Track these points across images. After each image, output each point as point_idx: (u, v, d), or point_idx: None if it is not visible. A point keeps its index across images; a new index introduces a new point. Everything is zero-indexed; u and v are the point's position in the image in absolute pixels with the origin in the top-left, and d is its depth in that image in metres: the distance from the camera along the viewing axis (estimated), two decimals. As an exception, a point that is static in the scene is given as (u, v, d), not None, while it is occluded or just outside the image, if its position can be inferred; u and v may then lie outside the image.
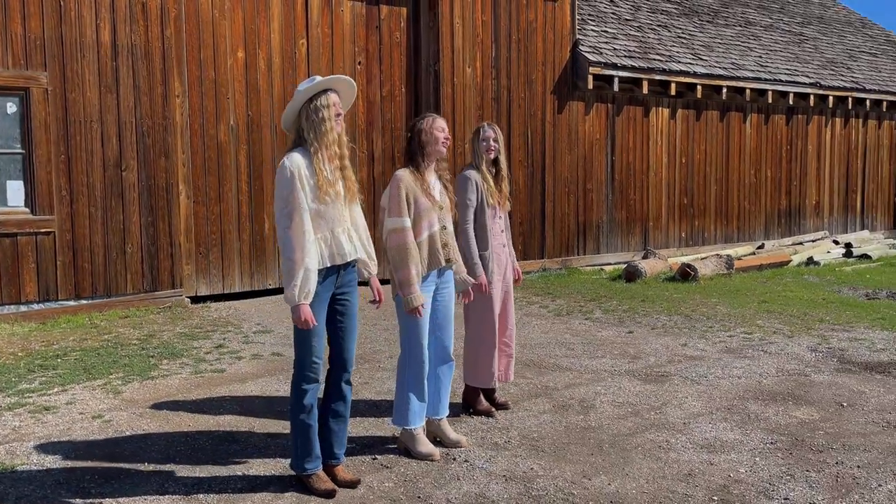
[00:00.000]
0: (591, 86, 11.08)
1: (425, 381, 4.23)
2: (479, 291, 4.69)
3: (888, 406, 5.08)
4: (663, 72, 11.77)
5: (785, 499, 3.71)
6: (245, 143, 8.86)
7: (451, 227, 4.39)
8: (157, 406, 5.02)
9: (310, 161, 3.59)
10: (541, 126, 10.94)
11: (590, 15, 12.48)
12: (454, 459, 4.17)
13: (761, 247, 13.69)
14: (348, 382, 3.83)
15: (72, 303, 7.82)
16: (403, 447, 4.24)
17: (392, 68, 9.78)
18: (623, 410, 5.00)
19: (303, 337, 3.64)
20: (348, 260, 3.71)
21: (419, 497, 3.70)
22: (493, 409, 4.90)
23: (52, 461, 4.10)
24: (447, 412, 4.46)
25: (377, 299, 3.94)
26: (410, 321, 4.15)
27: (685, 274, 10.52)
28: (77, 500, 3.63)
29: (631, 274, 10.51)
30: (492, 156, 4.89)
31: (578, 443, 4.43)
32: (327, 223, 3.63)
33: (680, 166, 12.68)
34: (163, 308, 8.21)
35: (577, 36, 11.32)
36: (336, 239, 3.66)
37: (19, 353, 6.31)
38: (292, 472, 3.82)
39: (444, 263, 4.28)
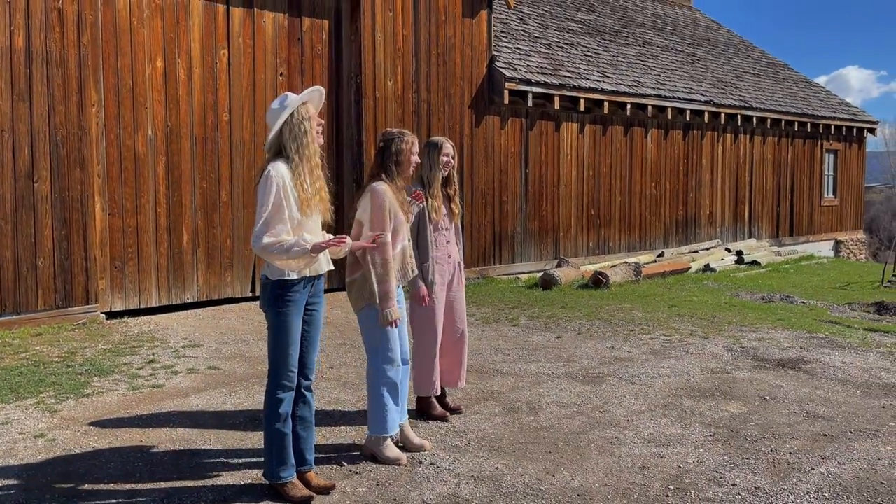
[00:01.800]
0: (506, 101, 11.43)
1: (397, 388, 4.32)
2: (419, 303, 4.81)
3: (805, 398, 5.53)
4: (573, 88, 12.27)
5: (733, 485, 4.00)
6: (164, 154, 8.63)
7: (411, 239, 4.54)
8: (101, 423, 4.85)
9: (293, 174, 3.62)
10: (459, 139, 11.17)
11: (502, 32, 12.87)
12: (420, 463, 4.25)
13: (661, 255, 14.45)
14: (309, 389, 3.86)
15: (-21, 321, 7.37)
16: (370, 453, 4.29)
17: (314, 80, 9.77)
18: (569, 410, 5.22)
19: (281, 346, 3.65)
20: (322, 272, 3.76)
21: (395, 500, 3.77)
22: (448, 414, 5.01)
23: (4, 482, 3.90)
24: (406, 416, 4.54)
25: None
26: (383, 332, 4.23)
27: (597, 281, 10.98)
28: (40, 521, 3.49)
29: (547, 282, 10.87)
30: (446, 172, 5.02)
31: (534, 442, 4.60)
32: (306, 234, 3.66)
33: (588, 179, 13.22)
34: (77, 325, 7.86)
35: (493, 52, 11.65)
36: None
37: (-68, 375, 5.91)
38: (264, 481, 3.81)
39: (411, 276, 4.43)
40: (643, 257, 13.94)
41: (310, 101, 3.74)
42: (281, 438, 3.69)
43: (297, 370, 3.72)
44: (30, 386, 5.64)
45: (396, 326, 4.24)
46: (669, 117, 14.17)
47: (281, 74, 9.48)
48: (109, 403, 5.26)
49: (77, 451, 4.36)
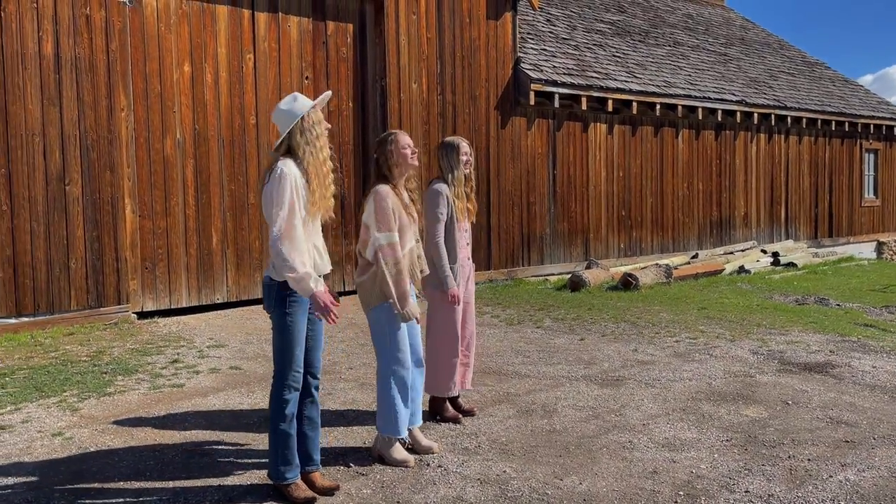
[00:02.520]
0: (532, 102, 11.37)
1: (408, 389, 4.31)
2: (449, 303, 4.81)
3: (829, 403, 5.39)
4: (601, 89, 12.16)
5: (746, 491, 3.91)
6: (192, 157, 8.76)
7: (418, 240, 4.51)
8: (119, 422, 4.93)
9: (302, 174, 3.64)
10: (485, 140, 11.15)
11: (529, 34, 12.81)
12: (428, 465, 4.24)
13: (695, 256, 14.23)
14: (317, 388, 3.87)
15: (12, 320, 7.56)
16: (378, 454, 4.29)
17: (339, 83, 9.83)
18: (584, 413, 5.16)
19: (287, 346, 3.67)
20: (323, 272, 3.77)
21: (398, 502, 3.76)
22: (460, 416, 4.99)
23: (16, 481, 3.99)
24: (420, 421, 4.53)
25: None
26: (393, 331, 4.23)
27: (627, 283, 10.85)
28: (50, 518, 3.56)
29: (575, 283, 10.78)
30: (467, 170, 5.01)
31: (546, 445, 4.56)
32: (311, 236, 3.69)
33: (617, 180, 13.09)
34: (109, 324, 8.01)
35: (519, 54, 11.60)
36: (317, 250, 3.73)
37: (-38, 374, 6.08)
38: (269, 482, 3.83)
39: (419, 276, 4.42)
40: (676, 259, 13.75)
41: (319, 106, 3.77)
42: (286, 439, 3.71)
43: (302, 370, 3.73)
44: (55, 385, 5.76)
45: (419, 322, 4.25)
46: (700, 117, 13.95)
47: (307, 78, 9.56)
48: (129, 402, 5.35)
49: (92, 450, 4.43)
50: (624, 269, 12.21)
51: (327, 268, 3.80)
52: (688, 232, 14.44)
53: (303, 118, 3.65)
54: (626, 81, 12.74)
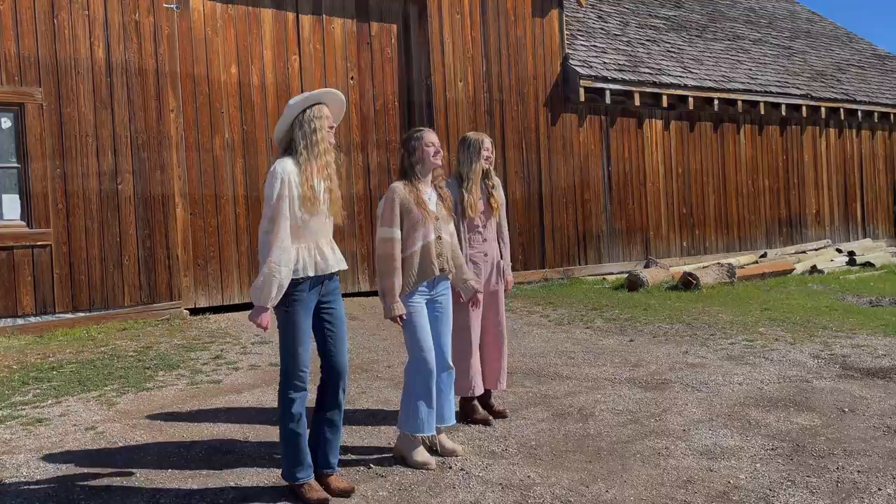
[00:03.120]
0: (582, 98, 11.12)
1: (433, 388, 4.20)
2: (469, 304, 4.68)
3: (889, 411, 5.02)
4: (654, 84, 11.80)
5: None
6: (241, 157, 8.86)
7: (447, 237, 4.37)
8: (152, 417, 4.97)
9: (299, 170, 3.58)
10: (535, 138, 10.95)
11: (579, 31, 12.54)
12: (450, 468, 4.11)
13: (764, 255, 13.67)
14: (343, 391, 3.79)
15: (69, 315, 7.78)
16: (400, 455, 4.19)
17: (385, 83, 9.81)
18: (622, 418, 4.94)
19: (289, 346, 3.61)
20: (331, 271, 3.69)
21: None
22: (490, 418, 4.84)
23: (43, 473, 4.04)
24: (451, 422, 4.40)
25: None
26: (412, 330, 4.14)
27: (687, 283, 10.48)
28: (67, 512, 3.58)
29: (633, 283, 10.47)
30: (487, 165, 4.88)
31: (576, 450, 4.37)
32: (312, 233, 3.62)
33: (677, 176, 12.68)
34: (161, 320, 8.17)
35: (567, 51, 11.36)
36: (320, 249, 3.65)
37: (14, 366, 6.26)
38: (285, 483, 3.77)
39: (437, 273, 4.28)
40: (743, 258, 13.23)
41: (329, 104, 3.69)
42: (295, 439, 3.64)
43: (308, 370, 3.66)
44: (98, 379, 5.87)
45: (398, 322, 4.12)
46: (763, 112, 13.39)
47: (352, 78, 9.56)
48: (165, 398, 5.40)
49: (120, 444, 4.47)
50: (686, 268, 11.80)
51: (333, 267, 3.70)
52: (755, 230, 13.89)
53: (303, 112, 3.59)
54: (680, 77, 12.34)
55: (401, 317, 4.08)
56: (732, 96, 12.81)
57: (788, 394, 5.43)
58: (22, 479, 3.96)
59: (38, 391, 5.55)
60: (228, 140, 8.76)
